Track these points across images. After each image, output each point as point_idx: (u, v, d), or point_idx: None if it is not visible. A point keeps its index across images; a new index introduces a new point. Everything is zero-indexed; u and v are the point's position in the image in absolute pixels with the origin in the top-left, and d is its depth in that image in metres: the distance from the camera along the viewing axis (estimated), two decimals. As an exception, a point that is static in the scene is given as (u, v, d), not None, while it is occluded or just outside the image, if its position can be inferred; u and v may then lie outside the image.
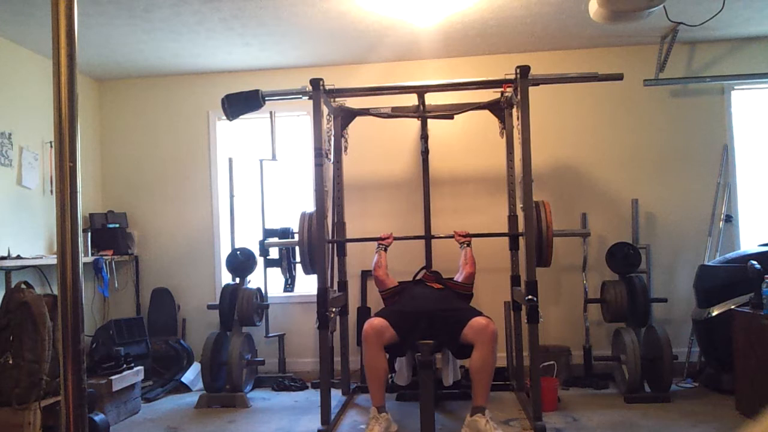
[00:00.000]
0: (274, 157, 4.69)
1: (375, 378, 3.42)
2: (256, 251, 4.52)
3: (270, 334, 4.75)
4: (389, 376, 3.79)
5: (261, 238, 4.59)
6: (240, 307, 4.35)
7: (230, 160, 4.75)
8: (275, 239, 4.55)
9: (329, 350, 4.07)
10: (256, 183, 4.76)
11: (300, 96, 3.83)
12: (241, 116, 3.94)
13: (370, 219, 4.85)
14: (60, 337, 1.39)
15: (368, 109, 4.29)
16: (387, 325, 3.42)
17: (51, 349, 3.20)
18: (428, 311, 3.52)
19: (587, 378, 4.43)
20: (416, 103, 4.28)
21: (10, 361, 3.13)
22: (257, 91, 3.87)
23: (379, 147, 4.93)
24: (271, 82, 4.82)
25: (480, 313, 3.50)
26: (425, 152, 4.56)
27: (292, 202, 5.00)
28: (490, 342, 3.31)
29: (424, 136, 4.55)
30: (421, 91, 4.20)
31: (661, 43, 4.56)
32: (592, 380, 4.39)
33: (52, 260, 4.01)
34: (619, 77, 3.76)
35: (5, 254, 3.82)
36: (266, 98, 3.89)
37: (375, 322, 3.45)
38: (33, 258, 3.99)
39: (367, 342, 3.41)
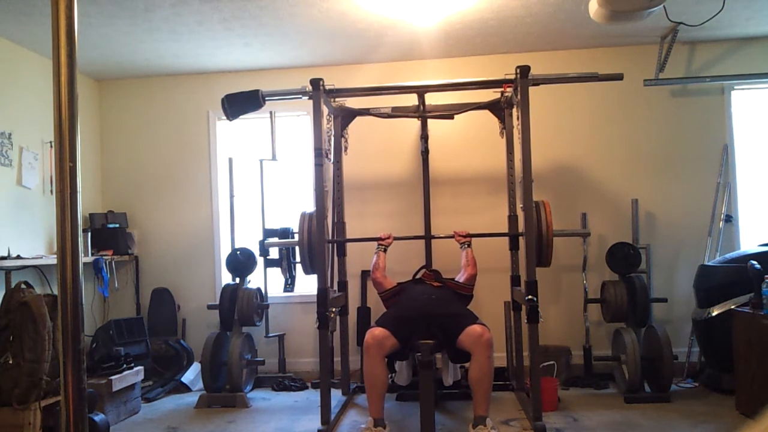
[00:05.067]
0: (274, 157, 4.69)
1: (373, 389, 3.38)
2: (256, 251, 4.52)
3: (270, 334, 4.75)
4: (389, 375, 3.79)
5: (261, 238, 4.59)
6: (240, 307, 4.35)
7: (230, 160, 4.75)
8: (275, 239, 4.54)
9: (329, 350, 4.07)
10: (256, 183, 4.76)
11: (300, 96, 3.83)
12: (241, 116, 3.94)
13: (370, 219, 4.85)
14: (60, 337, 1.39)
15: (368, 109, 4.28)
16: (388, 334, 3.39)
17: (51, 349, 3.19)
18: (427, 314, 3.50)
19: (587, 378, 4.43)
20: (416, 103, 4.28)
21: (10, 361, 3.13)
22: (257, 91, 3.87)
23: (379, 147, 4.93)
24: (271, 82, 4.82)
25: (476, 319, 3.47)
26: (425, 152, 4.55)
27: (292, 202, 5.00)
28: (486, 351, 3.29)
29: (424, 136, 4.54)
30: (421, 91, 4.20)
31: (661, 43, 4.56)
32: (592, 380, 4.39)
33: (52, 260, 4.01)
34: (619, 77, 3.76)
35: (5, 254, 3.82)
36: (266, 98, 3.89)
37: (376, 332, 3.41)
38: (33, 258, 3.99)
39: (368, 353, 3.37)
